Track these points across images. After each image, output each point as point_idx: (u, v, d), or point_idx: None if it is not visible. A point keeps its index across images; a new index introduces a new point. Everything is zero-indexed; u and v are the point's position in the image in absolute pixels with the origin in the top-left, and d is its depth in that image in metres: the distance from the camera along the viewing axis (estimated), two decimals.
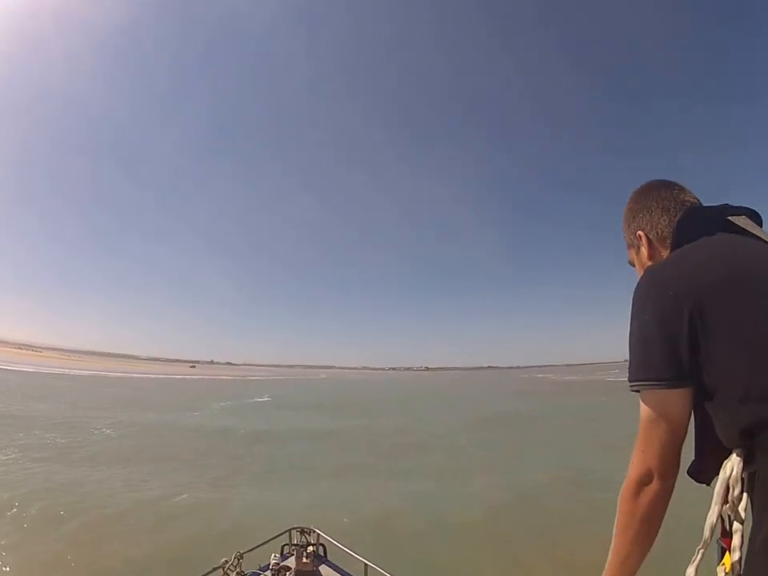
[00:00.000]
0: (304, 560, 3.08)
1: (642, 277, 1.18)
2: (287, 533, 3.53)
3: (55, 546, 6.75)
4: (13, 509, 8.20)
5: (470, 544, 7.43)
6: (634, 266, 1.40)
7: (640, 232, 1.33)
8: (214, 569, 3.08)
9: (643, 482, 1.10)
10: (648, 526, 1.11)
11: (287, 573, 3.00)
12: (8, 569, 5.89)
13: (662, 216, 1.30)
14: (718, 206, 1.26)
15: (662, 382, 1.09)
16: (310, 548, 3.25)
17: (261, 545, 3.38)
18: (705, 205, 1.30)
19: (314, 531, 3.50)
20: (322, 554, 3.43)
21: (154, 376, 79.56)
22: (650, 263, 1.29)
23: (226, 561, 3.11)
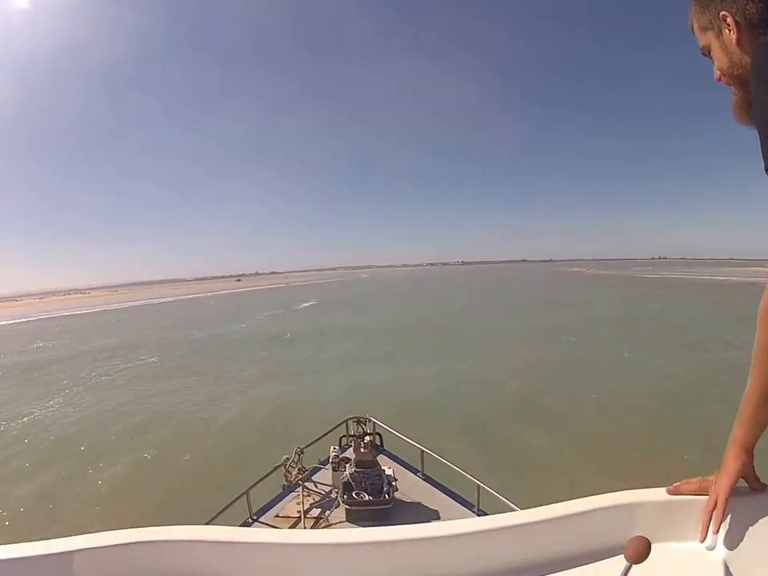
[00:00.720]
0: (362, 450, 3.09)
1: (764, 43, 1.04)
2: (344, 424, 3.57)
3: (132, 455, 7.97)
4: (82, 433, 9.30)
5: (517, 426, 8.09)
6: (707, 55, 1.25)
7: (725, 12, 1.17)
8: (276, 467, 3.16)
9: None
10: None
11: (347, 464, 2.99)
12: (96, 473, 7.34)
13: (748, 2, 1.15)
14: None
15: None
16: (367, 438, 3.27)
17: (319, 438, 3.43)
18: None
19: (370, 420, 3.53)
20: (379, 444, 3.49)
21: (201, 295, 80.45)
22: (736, 48, 1.17)
23: (287, 458, 3.19)
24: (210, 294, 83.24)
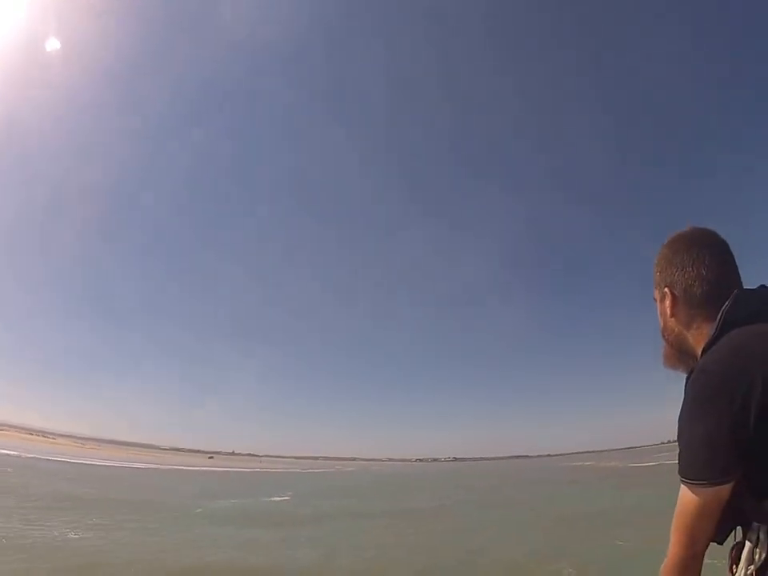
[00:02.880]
0: None
1: (702, 370, 1.18)
2: None
3: None
4: None
5: None
6: (656, 302, 1.45)
7: (666, 289, 1.37)
8: None
9: (685, 564, 1.18)
10: None
11: None
12: None
13: (695, 282, 1.31)
14: (761, 288, 1.29)
15: (724, 480, 1.12)
16: None
17: None
18: (750, 288, 1.31)
19: None
20: None
21: (167, 467, 73.74)
22: (672, 319, 1.37)
23: None
24: (177, 467, 75.38)
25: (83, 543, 13.41)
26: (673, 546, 1.20)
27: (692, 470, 1.16)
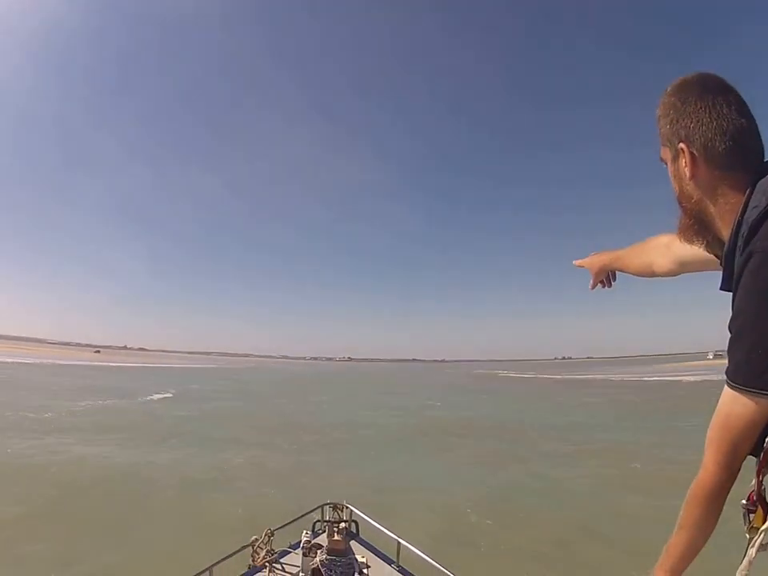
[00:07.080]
0: (335, 537, 3.00)
1: None
2: (319, 509, 3.37)
3: None
4: None
5: None
6: (666, 164, 1.17)
7: (683, 145, 1.08)
8: (243, 547, 3.01)
9: (724, 485, 1.03)
10: (715, 520, 1.09)
11: (318, 550, 2.91)
12: None
13: (716, 135, 1.03)
14: None
15: None
16: (342, 524, 3.14)
17: (292, 521, 3.28)
18: None
19: (347, 507, 3.38)
20: (354, 531, 3.32)
21: (44, 361, 71.88)
22: (690, 182, 1.10)
23: (256, 539, 3.03)
24: (58, 362, 74.03)
25: None
26: (710, 464, 1.02)
27: (761, 378, 0.92)
